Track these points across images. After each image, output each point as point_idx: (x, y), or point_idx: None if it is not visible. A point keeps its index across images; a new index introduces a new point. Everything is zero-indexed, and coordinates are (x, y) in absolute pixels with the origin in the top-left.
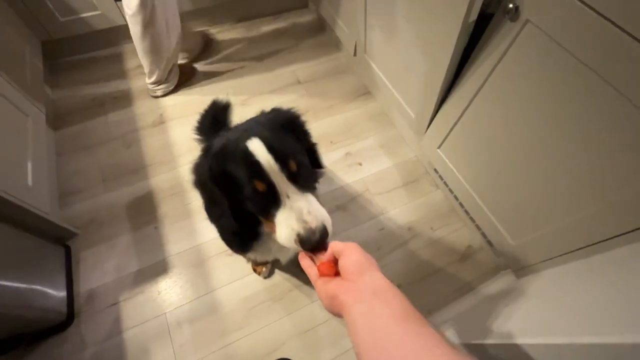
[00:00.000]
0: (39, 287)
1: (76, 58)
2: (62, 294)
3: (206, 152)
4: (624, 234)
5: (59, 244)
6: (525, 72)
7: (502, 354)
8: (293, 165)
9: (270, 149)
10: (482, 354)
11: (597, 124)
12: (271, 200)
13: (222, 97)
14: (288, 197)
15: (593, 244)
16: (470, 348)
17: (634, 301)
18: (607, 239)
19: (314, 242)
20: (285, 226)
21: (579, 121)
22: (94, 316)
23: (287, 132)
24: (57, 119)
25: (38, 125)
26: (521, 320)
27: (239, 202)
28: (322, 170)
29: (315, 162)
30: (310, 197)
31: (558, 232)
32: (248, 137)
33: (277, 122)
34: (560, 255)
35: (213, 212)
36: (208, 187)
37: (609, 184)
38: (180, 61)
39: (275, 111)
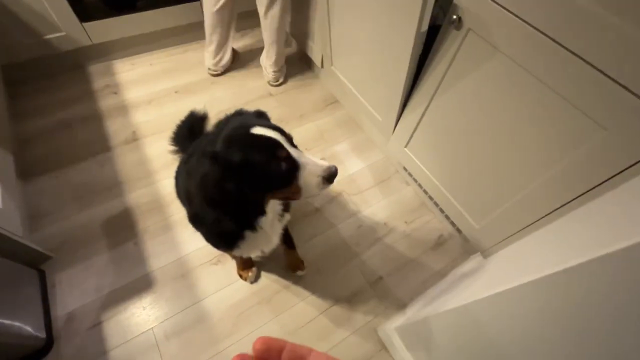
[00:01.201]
0: (14, 314)
1: (40, 81)
2: (40, 319)
3: (213, 159)
4: (562, 206)
5: (33, 268)
6: (472, 73)
7: (454, 316)
8: (289, 134)
9: (270, 128)
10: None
11: (531, 111)
12: (292, 165)
13: (199, 108)
14: (299, 157)
15: (541, 218)
16: (432, 318)
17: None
18: (551, 212)
19: (334, 171)
20: (311, 177)
21: (518, 112)
22: (75, 338)
23: (263, 118)
24: (23, 143)
25: (4, 148)
26: (478, 287)
27: (260, 188)
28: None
29: None
30: (303, 152)
31: (512, 209)
32: (248, 129)
33: (253, 114)
34: (518, 232)
35: (207, 216)
36: (226, 188)
37: (543, 161)
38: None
39: (241, 110)
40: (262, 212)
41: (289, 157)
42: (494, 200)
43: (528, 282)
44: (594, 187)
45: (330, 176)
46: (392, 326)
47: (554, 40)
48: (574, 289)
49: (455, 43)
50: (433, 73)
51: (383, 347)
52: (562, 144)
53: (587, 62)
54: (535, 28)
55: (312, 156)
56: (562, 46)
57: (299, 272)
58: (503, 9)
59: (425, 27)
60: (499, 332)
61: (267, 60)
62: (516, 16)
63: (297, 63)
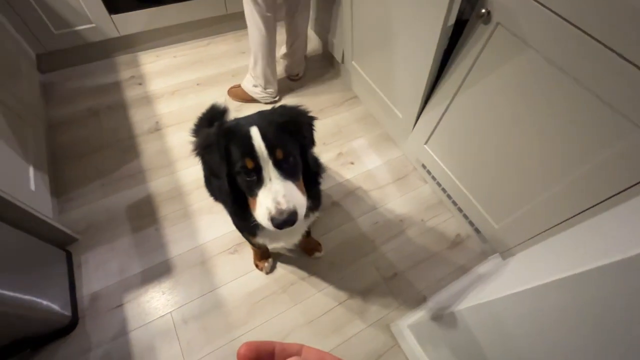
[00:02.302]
0: (43, 291)
1: (70, 70)
2: (66, 297)
3: (218, 126)
4: (585, 210)
5: (60, 248)
6: (499, 69)
7: (471, 315)
8: (279, 154)
9: (264, 137)
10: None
11: (561, 112)
12: (256, 180)
13: (219, 101)
14: (270, 180)
15: (566, 220)
16: (447, 317)
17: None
18: (576, 215)
19: (281, 221)
20: (262, 204)
21: (546, 110)
22: (99, 318)
23: (287, 128)
24: (54, 128)
25: (37, 133)
26: (497, 287)
27: (232, 175)
28: (322, 168)
29: (308, 160)
30: (289, 184)
31: (535, 210)
32: (251, 124)
33: (280, 118)
34: (541, 233)
35: (213, 185)
36: (212, 149)
37: (570, 164)
38: None
39: (282, 107)
40: (247, 207)
41: (257, 170)
42: (517, 200)
43: (553, 280)
44: (623, 190)
45: (273, 218)
46: (406, 323)
47: (591, 37)
48: (601, 290)
49: (483, 38)
50: (457, 69)
51: (396, 342)
52: (593, 144)
53: (630, 62)
54: (571, 23)
55: (291, 188)
56: (602, 44)
57: (317, 254)
58: (537, 3)
59: (452, 20)
60: (520, 334)
61: (288, 56)
62: (551, 11)
63: (318, 59)
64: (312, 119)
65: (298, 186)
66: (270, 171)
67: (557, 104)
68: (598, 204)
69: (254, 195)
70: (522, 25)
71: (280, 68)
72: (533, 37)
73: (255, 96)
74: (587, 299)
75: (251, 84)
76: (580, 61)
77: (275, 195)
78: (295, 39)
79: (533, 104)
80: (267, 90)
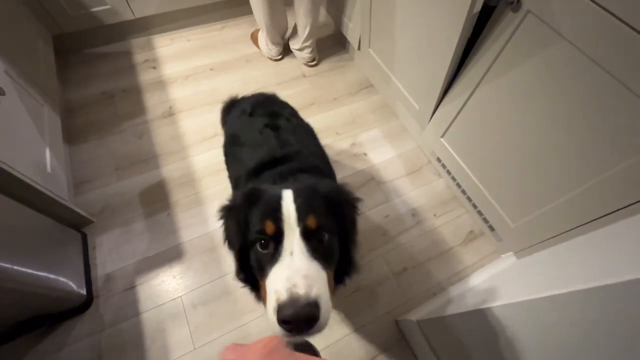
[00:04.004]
0: (60, 270)
1: (85, 52)
2: (81, 277)
3: (248, 188)
4: (606, 215)
5: (76, 230)
6: (526, 61)
7: (481, 316)
8: (312, 221)
9: (296, 199)
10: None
11: (592, 109)
12: (272, 253)
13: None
14: (292, 254)
15: (589, 222)
16: (457, 316)
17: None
18: (594, 220)
19: (292, 314)
20: (271, 288)
21: (576, 107)
22: (112, 299)
23: (328, 199)
24: (68, 112)
25: (53, 115)
26: (511, 289)
27: (246, 247)
28: (356, 268)
29: (349, 250)
30: (316, 266)
31: (556, 211)
32: (287, 188)
33: (322, 187)
34: (560, 234)
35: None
36: (232, 213)
37: (597, 165)
38: None
39: (326, 183)
40: (255, 283)
41: (276, 238)
42: (536, 199)
43: (575, 290)
44: None
45: (283, 306)
46: (414, 318)
47: (635, 31)
48: (622, 305)
49: (511, 26)
50: (481, 59)
51: (403, 337)
52: (626, 145)
53: None
54: (613, 14)
55: (318, 274)
56: None
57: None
58: None
59: (478, 7)
60: (532, 341)
61: (304, 43)
62: (592, 1)
63: (331, 42)
64: (357, 200)
65: (327, 276)
66: (294, 242)
67: (589, 101)
68: (625, 207)
69: (265, 275)
70: (556, 13)
71: (296, 60)
72: (567, 28)
73: (261, 46)
74: (609, 312)
75: (263, 36)
76: (621, 57)
77: (292, 273)
78: (305, 22)
79: (562, 100)
80: (270, 45)
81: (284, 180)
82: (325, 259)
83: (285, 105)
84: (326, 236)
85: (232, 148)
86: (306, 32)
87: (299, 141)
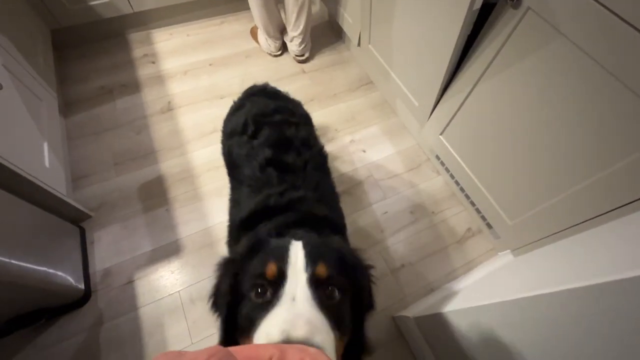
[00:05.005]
0: (58, 264)
1: (84, 47)
2: (79, 272)
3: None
4: (605, 213)
5: (75, 225)
6: (526, 58)
7: (479, 313)
8: (322, 269)
9: (306, 246)
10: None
11: (591, 108)
12: (269, 300)
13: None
14: (294, 299)
15: (586, 220)
16: (455, 313)
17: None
18: (591, 218)
19: None
20: (262, 333)
21: (575, 105)
22: (110, 293)
23: (342, 256)
24: (66, 106)
25: (51, 110)
26: (507, 287)
27: (237, 301)
28: (368, 345)
29: (358, 323)
30: (320, 317)
31: (554, 209)
32: (289, 241)
33: (336, 244)
34: (557, 233)
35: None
36: (234, 263)
37: (595, 163)
38: None
39: (342, 242)
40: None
41: (277, 283)
42: (534, 197)
43: (573, 288)
44: None
45: None
46: (411, 315)
47: (635, 28)
48: (621, 303)
49: (511, 23)
50: (481, 56)
51: (400, 334)
52: (626, 145)
53: None
54: (615, 14)
55: (322, 325)
56: None
57: None
58: None
59: (478, 4)
60: (529, 338)
61: (292, 32)
62: None
63: (327, 33)
64: (370, 267)
65: (336, 347)
66: (298, 287)
67: (589, 99)
68: (625, 205)
69: (255, 326)
70: (556, 11)
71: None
72: (567, 26)
73: (261, 41)
74: (609, 311)
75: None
76: (623, 57)
77: (292, 316)
78: (296, 13)
79: (562, 98)
80: (269, 41)
81: (282, 236)
82: (334, 321)
83: (299, 119)
84: (337, 293)
85: (233, 171)
86: (293, 19)
87: (308, 183)
